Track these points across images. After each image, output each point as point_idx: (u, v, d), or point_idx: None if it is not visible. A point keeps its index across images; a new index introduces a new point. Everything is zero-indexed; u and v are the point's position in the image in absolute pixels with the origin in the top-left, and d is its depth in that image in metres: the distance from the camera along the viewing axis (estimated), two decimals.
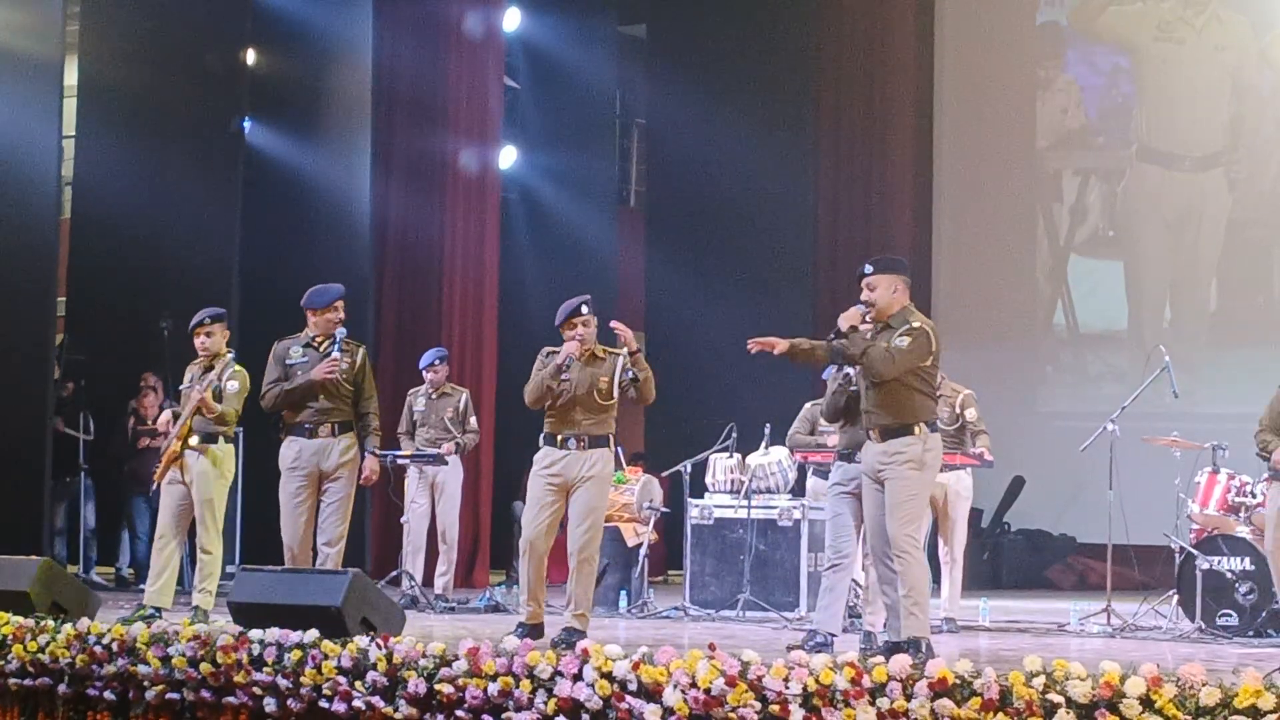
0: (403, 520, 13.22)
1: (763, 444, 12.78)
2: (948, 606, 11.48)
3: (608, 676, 7.25)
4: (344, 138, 16.28)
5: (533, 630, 9.44)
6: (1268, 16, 18.03)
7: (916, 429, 8.84)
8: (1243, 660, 9.02)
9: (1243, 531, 11.13)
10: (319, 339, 10.41)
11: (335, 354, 10.25)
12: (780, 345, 9.06)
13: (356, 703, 7.86)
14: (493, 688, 7.50)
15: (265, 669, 8.13)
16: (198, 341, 10.85)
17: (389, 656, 7.85)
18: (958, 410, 11.58)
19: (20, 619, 9.12)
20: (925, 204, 19.07)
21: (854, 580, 10.26)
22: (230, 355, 10.88)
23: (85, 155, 16.85)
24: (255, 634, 8.28)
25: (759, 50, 19.14)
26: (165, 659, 8.43)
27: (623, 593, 12.78)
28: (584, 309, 9.72)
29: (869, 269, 9.02)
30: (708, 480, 12.98)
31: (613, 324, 9.71)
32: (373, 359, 15.45)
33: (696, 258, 19.28)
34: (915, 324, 8.89)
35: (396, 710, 7.76)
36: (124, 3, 16.68)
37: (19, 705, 9.03)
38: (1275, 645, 10.37)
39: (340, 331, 10.37)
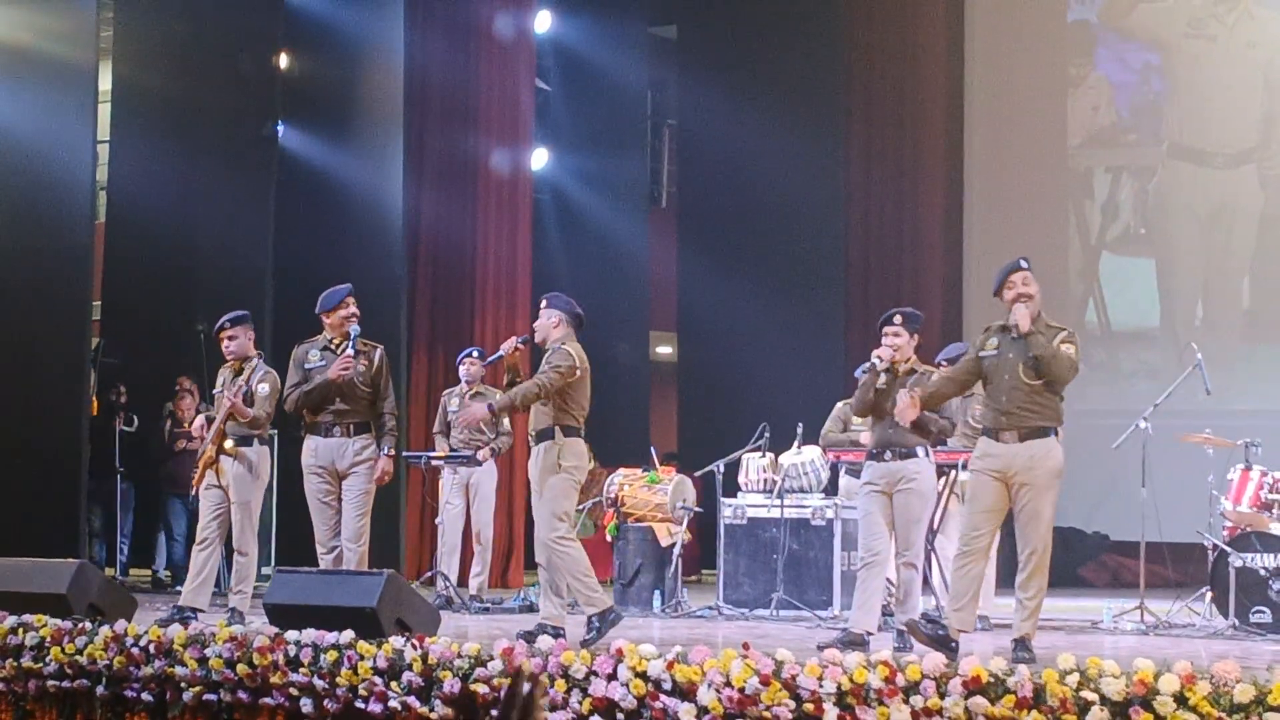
0: (437, 521, 13.25)
1: (795, 443, 12.77)
2: (981, 605, 11.43)
3: (642, 676, 7.28)
4: (376, 140, 16.29)
5: (552, 630, 9.38)
6: None
7: (1058, 432, 8.93)
8: (1277, 657, 9.00)
9: (1276, 528, 11.09)
10: (335, 341, 10.49)
11: (349, 352, 10.33)
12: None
13: (392, 703, 7.90)
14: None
15: (301, 670, 8.19)
16: (223, 346, 10.96)
17: (424, 657, 7.89)
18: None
19: (58, 621, 9.18)
20: (956, 202, 19.06)
21: (887, 579, 10.25)
22: (258, 357, 10.97)
23: (119, 160, 16.91)
24: (291, 635, 8.33)
25: (789, 50, 19.13)
26: (202, 660, 8.49)
27: (656, 592, 12.79)
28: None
29: (1025, 263, 8.99)
30: (740, 480, 12.98)
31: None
32: (405, 361, 15.56)
33: (728, 258, 19.27)
34: (1062, 327, 8.95)
35: (432, 710, 7.80)
36: (157, 7, 16.74)
37: (57, 707, 9.10)
38: None
39: (354, 329, 10.43)
